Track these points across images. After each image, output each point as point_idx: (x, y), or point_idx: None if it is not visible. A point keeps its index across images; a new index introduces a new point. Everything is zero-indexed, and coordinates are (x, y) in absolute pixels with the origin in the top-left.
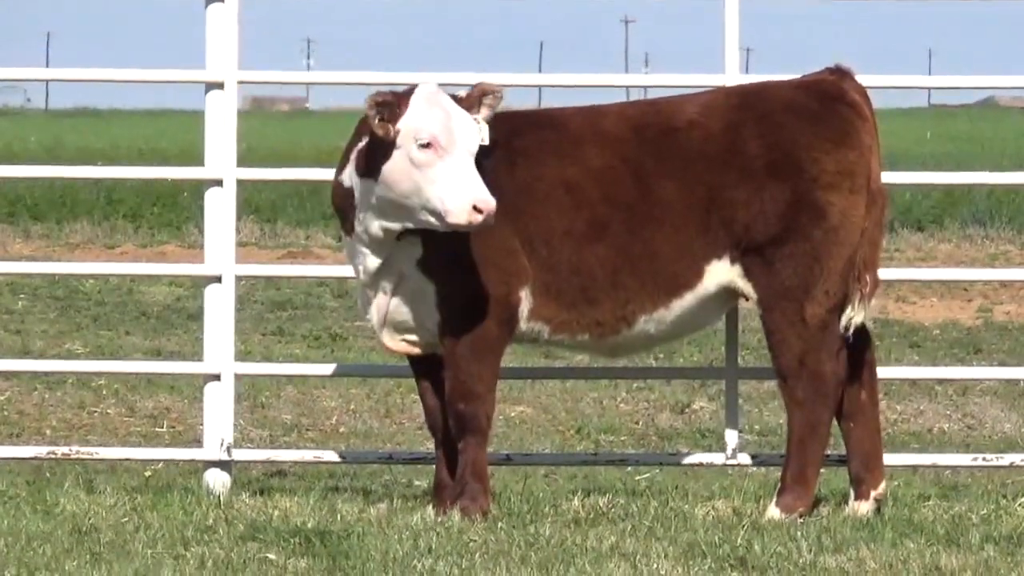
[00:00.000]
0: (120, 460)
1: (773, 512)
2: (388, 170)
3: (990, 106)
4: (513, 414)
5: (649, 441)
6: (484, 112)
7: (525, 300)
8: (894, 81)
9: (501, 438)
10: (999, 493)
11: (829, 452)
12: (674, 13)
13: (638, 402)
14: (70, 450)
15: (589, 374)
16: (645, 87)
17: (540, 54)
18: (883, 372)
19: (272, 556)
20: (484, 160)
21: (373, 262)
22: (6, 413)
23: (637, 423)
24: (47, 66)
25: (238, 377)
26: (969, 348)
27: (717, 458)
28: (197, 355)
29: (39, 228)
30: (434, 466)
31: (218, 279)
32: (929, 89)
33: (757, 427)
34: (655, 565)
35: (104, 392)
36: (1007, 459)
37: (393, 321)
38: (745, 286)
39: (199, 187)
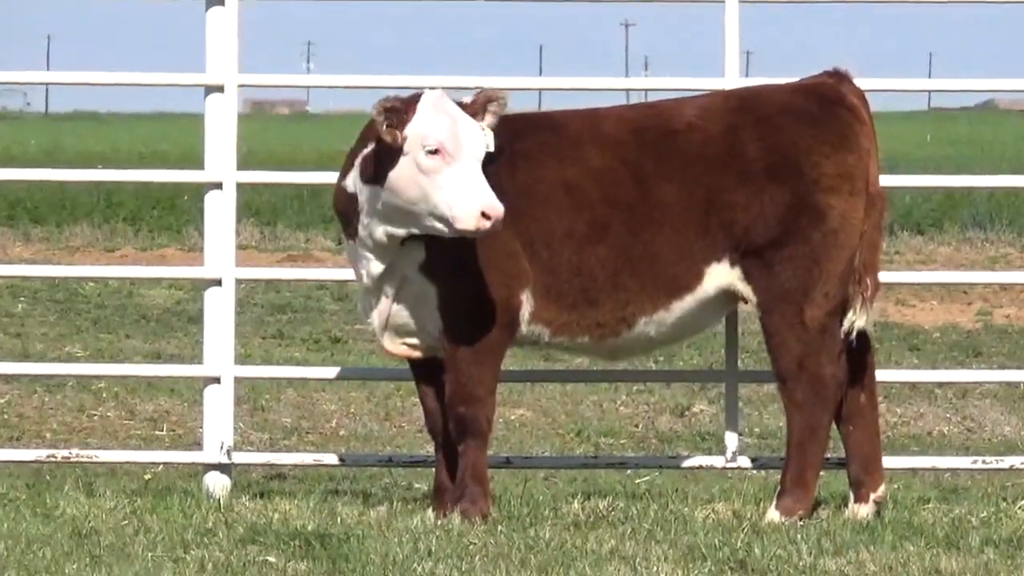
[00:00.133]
0: (120, 463)
1: (773, 515)
2: (395, 176)
3: (990, 109)
4: (513, 417)
5: (649, 444)
6: (489, 119)
7: (526, 303)
8: (894, 84)
9: (501, 441)
10: (999, 496)
11: (829, 455)
12: (674, 17)
13: (638, 405)
14: (70, 453)
15: (589, 377)
16: (645, 90)
17: (540, 57)
18: (883, 375)
19: (272, 559)
20: (485, 163)
21: (376, 267)
22: (6, 416)
23: (637, 426)
24: (47, 69)
25: (238, 380)
26: (969, 351)
27: (717, 461)
28: (197, 358)
29: (39, 231)
30: (434, 469)
31: (218, 282)
32: (929, 92)
33: (757, 430)
34: (655, 568)
35: (104, 395)
36: (1007, 462)
37: (394, 324)
38: (744, 289)
39: (199, 190)
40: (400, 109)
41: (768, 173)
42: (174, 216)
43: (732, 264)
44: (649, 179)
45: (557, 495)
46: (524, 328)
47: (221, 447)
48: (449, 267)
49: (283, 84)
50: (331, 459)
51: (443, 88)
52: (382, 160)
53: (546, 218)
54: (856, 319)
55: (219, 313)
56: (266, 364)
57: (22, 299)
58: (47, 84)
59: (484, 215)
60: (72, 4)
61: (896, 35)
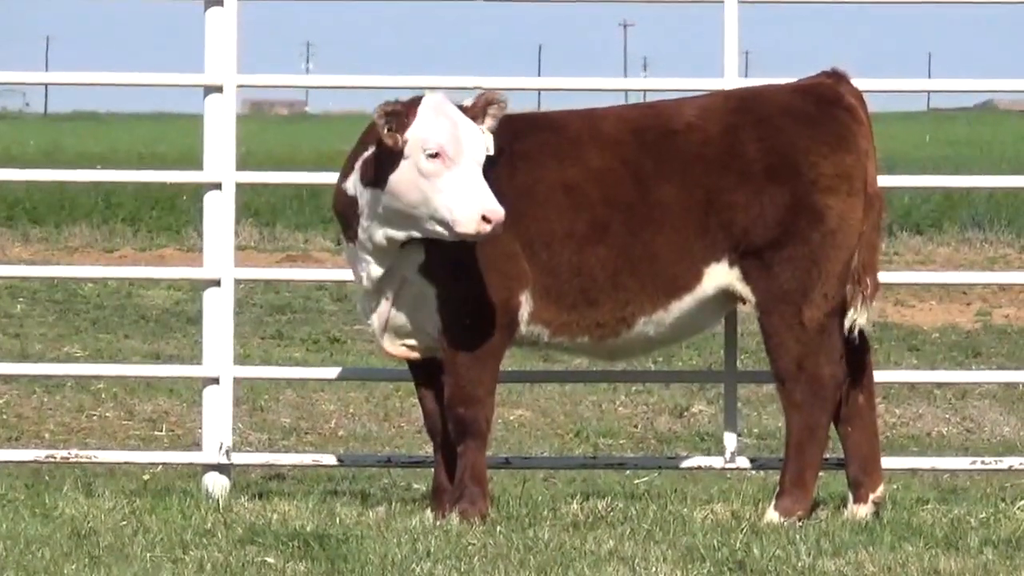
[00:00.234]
0: (119, 463)
1: (772, 516)
2: (395, 180)
3: (989, 109)
4: (512, 417)
5: (648, 445)
6: (489, 122)
7: (525, 304)
8: (893, 85)
9: (500, 442)
10: (998, 497)
11: (827, 456)
12: (673, 17)
13: (637, 405)
14: (69, 453)
15: (588, 378)
16: (644, 91)
17: (539, 57)
18: (882, 375)
19: (271, 560)
20: (485, 165)
21: (376, 270)
22: (5, 416)
23: (636, 427)
24: (46, 70)
25: (237, 381)
26: (968, 351)
27: (716, 462)
28: (196, 358)
29: (38, 232)
30: (433, 470)
31: (217, 283)
32: (928, 92)
33: (756, 431)
34: (654, 569)
35: (103, 395)
36: (1006, 462)
37: (394, 326)
38: (743, 289)
39: (198, 191)
40: (401, 112)
41: (767, 174)
42: (173, 216)
43: (731, 264)
44: (649, 179)
45: (556, 496)
46: (524, 329)
47: (220, 447)
48: (448, 268)
49: (282, 84)
50: (330, 460)
51: (442, 88)
52: (383, 163)
53: (546, 218)
54: (857, 317)
55: (218, 313)
56: (265, 364)
57: (21, 299)
58: (46, 84)
59: (484, 219)
60: (71, 4)
61: (895, 35)
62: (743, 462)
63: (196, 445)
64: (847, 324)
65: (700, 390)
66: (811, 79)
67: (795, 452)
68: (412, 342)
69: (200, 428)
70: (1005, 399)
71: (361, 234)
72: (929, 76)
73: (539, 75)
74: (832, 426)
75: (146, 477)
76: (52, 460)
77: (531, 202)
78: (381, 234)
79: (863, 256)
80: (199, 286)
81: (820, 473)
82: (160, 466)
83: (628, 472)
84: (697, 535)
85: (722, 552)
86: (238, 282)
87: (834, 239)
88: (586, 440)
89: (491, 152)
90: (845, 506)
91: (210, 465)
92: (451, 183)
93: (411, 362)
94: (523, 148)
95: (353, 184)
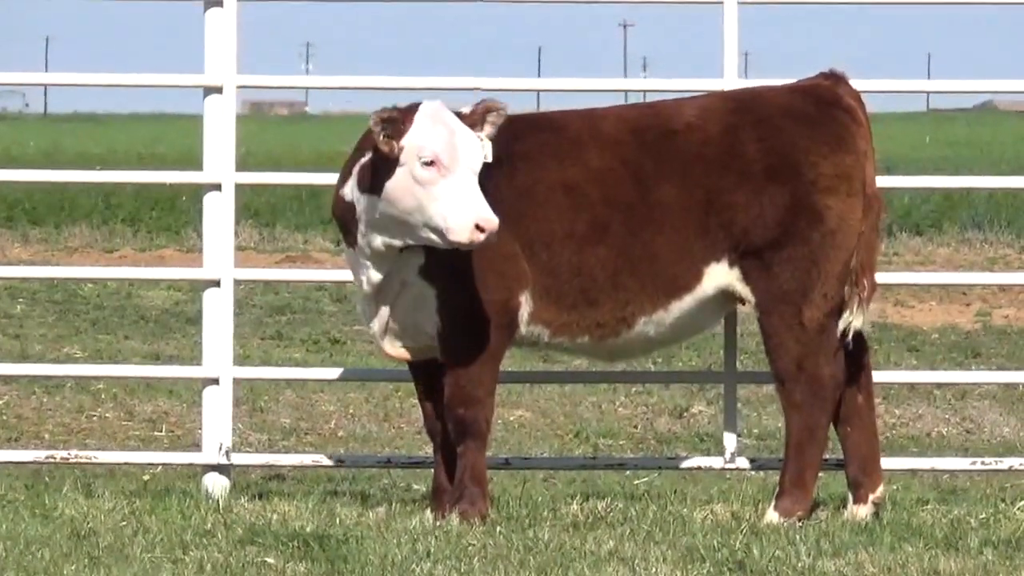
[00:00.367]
0: (119, 464)
1: (771, 516)
2: (391, 187)
3: (988, 110)
4: (512, 418)
5: (648, 445)
6: (488, 129)
7: (525, 304)
8: (892, 85)
9: (500, 442)
10: (998, 497)
11: (827, 456)
12: (672, 18)
13: (637, 406)
14: (69, 454)
15: (588, 378)
16: (644, 91)
17: (539, 58)
18: (882, 376)
19: (271, 560)
20: (484, 165)
21: (376, 275)
22: (5, 417)
23: (636, 427)
24: (46, 70)
25: (237, 381)
26: (968, 352)
27: (715, 462)
28: (196, 359)
29: (37, 232)
30: (432, 470)
31: (217, 283)
32: (927, 93)
33: (756, 431)
34: (654, 569)
35: (103, 396)
36: (1006, 463)
37: (394, 328)
38: (743, 289)
39: (198, 191)
40: (397, 119)
41: (767, 174)
42: (173, 217)
43: (731, 265)
44: (648, 179)
45: (556, 496)
46: (523, 329)
47: (220, 448)
48: (448, 270)
49: (282, 85)
50: (330, 460)
51: (442, 89)
52: (379, 170)
53: (546, 219)
54: (853, 319)
55: (218, 314)
56: (265, 365)
57: (21, 300)
58: (46, 85)
59: (478, 227)
60: (71, 4)
61: (894, 36)
62: (743, 463)
63: (196, 446)
64: (841, 326)
65: (700, 391)
66: (810, 80)
67: (795, 452)
68: (413, 344)
69: (200, 429)
70: (1005, 400)
71: (360, 240)
72: (928, 77)
73: (539, 76)
74: (832, 426)
75: (146, 478)
76: (52, 461)
77: (531, 202)
78: (379, 240)
79: (861, 257)
80: (199, 287)
81: (820, 474)
82: (160, 467)
83: (628, 473)
84: (697, 535)
85: (722, 553)
86: (238, 283)
87: (834, 239)
88: (586, 441)
89: (489, 159)
90: (845, 507)
91: (210, 466)
92: (446, 191)
93: (411, 363)
94: (523, 148)
95: (351, 190)
